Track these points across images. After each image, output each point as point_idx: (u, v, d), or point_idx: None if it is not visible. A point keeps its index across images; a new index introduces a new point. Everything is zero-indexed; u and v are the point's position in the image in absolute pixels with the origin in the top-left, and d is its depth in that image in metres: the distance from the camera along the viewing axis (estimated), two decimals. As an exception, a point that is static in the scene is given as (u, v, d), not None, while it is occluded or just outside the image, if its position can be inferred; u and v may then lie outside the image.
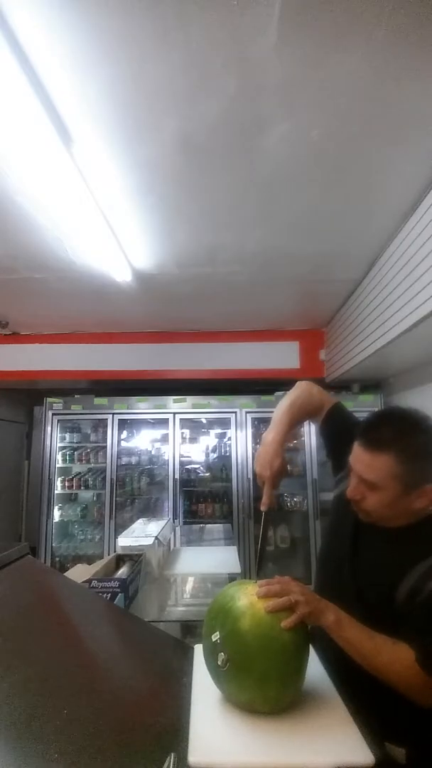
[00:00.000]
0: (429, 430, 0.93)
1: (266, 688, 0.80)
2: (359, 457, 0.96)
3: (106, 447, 4.28)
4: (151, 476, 4.62)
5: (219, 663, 0.82)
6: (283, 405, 1.24)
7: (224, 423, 4.43)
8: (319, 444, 4.05)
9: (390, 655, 0.86)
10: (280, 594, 0.87)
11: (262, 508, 1.12)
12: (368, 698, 0.94)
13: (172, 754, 0.68)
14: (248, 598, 0.87)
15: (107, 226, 2.30)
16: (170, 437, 4.28)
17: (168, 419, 4.29)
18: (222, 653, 0.82)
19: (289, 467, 1.12)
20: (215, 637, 0.85)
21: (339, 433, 1.18)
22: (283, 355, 4.34)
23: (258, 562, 1.11)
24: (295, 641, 0.84)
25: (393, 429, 0.94)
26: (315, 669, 0.96)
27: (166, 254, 2.74)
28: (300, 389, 1.29)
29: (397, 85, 1.49)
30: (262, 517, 1.12)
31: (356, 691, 0.92)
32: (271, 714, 0.82)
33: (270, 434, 1.18)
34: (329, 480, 1.28)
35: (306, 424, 4.17)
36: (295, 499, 4.29)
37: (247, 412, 4.26)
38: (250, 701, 0.82)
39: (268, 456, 1.13)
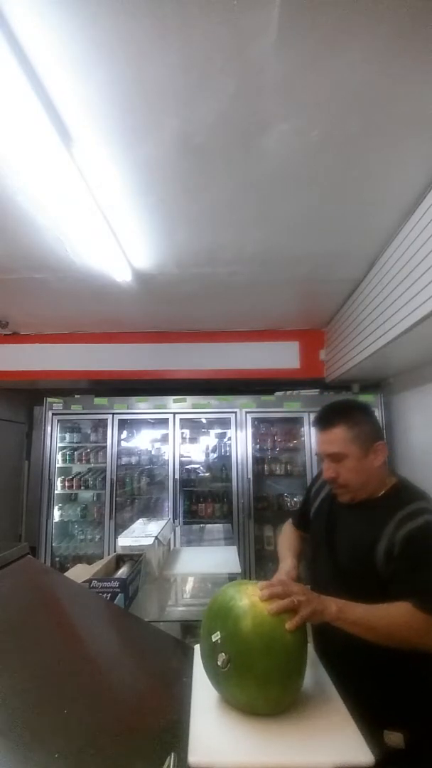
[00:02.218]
0: (362, 405, 1.25)
1: (268, 688, 0.80)
2: (320, 439, 1.20)
3: (106, 447, 4.28)
4: (151, 476, 4.62)
5: (219, 663, 0.82)
6: (279, 547, 1.47)
7: (224, 423, 4.42)
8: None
9: (392, 617, 0.91)
10: (283, 596, 0.88)
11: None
12: (368, 687, 0.96)
13: (172, 754, 0.69)
14: (249, 599, 0.87)
15: (107, 226, 2.30)
16: (170, 437, 4.28)
17: (168, 419, 4.29)
18: (222, 653, 0.82)
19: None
20: (215, 637, 0.85)
21: (305, 520, 1.44)
22: (283, 355, 4.34)
23: None
24: (296, 641, 0.84)
25: (337, 409, 1.21)
26: (315, 669, 0.96)
27: (166, 254, 2.74)
28: (280, 536, 1.54)
29: (398, 85, 1.49)
30: None
31: (355, 682, 0.94)
32: (271, 715, 0.82)
33: (284, 563, 1.36)
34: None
35: (305, 424, 4.18)
36: (294, 499, 4.30)
37: (247, 412, 4.26)
38: (250, 702, 0.82)
39: (284, 569, 1.30)
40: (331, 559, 1.17)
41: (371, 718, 0.85)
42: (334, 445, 1.15)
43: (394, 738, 0.96)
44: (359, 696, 0.89)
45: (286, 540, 1.46)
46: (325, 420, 1.19)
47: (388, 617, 0.91)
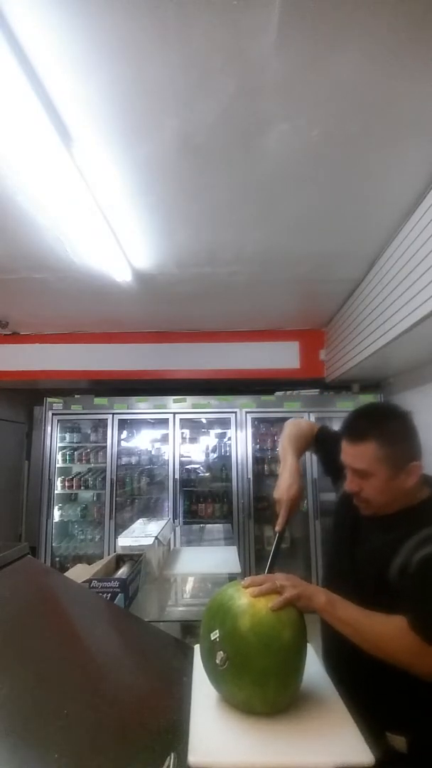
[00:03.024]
0: (401, 416, 1.05)
1: (265, 687, 0.80)
2: (346, 450, 1.05)
3: (106, 447, 4.28)
4: (151, 476, 4.62)
5: (217, 662, 0.82)
6: (283, 441, 1.35)
7: (224, 423, 4.43)
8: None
9: (384, 627, 0.88)
10: (264, 582, 0.90)
11: (277, 528, 1.17)
12: (369, 690, 0.95)
13: (172, 754, 0.69)
14: (248, 598, 0.87)
15: (107, 226, 2.30)
16: (170, 437, 4.28)
17: (168, 419, 4.29)
18: (221, 652, 0.82)
19: (304, 503, 1.16)
20: (214, 635, 0.85)
21: (329, 450, 1.28)
22: (283, 355, 4.34)
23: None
24: (295, 641, 0.84)
25: (370, 420, 1.05)
26: (314, 669, 0.96)
27: (166, 254, 2.74)
28: (289, 425, 1.41)
29: (397, 85, 1.49)
30: (276, 537, 1.17)
31: (357, 684, 0.94)
32: (269, 715, 0.82)
33: (284, 464, 1.26)
34: (329, 480, 1.34)
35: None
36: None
37: (247, 412, 4.26)
38: (247, 701, 0.82)
39: (286, 482, 1.20)
40: (351, 565, 1.10)
41: (374, 720, 0.85)
42: (361, 461, 1.01)
43: (397, 742, 0.95)
44: (362, 698, 0.89)
45: (297, 441, 1.32)
46: (356, 431, 1.03)
47: (379, 626, 0.88)
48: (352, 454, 1.03)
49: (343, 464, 1.10)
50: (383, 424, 1.03)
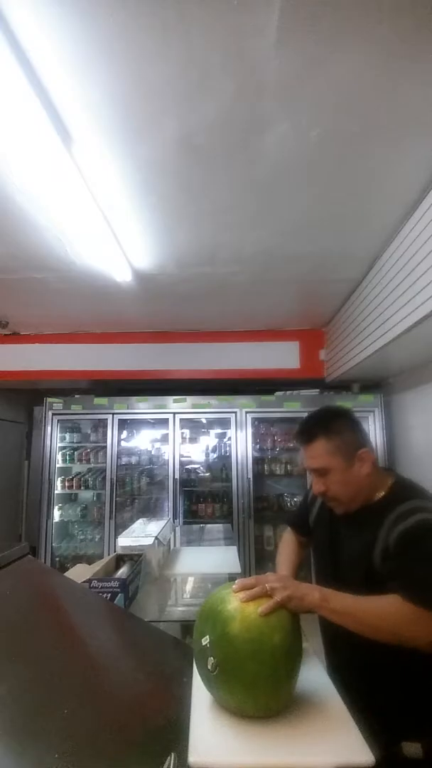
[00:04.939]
0: (342, 413, 1.19)
1: (256, 693, 0.79)
2: (303, 455, 1.17)
3: (106, 447, 4.28)
4: (151, 476, 4.62)
5: (209, 667, 0.81)
6: (278, 558, 1.43)
7: (224, 423, 4.42)
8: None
9: (380, 607, 0.90)
10: (254, 585, 0.89)
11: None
12: (383, 699, 0.95)
13: (172, 754, 0.69)
14: (238, 602, 0.86)
15: (107, 226, 2.30)
16: (170, 437, 4.28)
17: (168, 419, 4.29)
18: (212, 657, 0.81)
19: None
20: (205, 641, 0.84)
21: (300, 518, 1.42)
22: (283, 355, 4.34)
23: None
24: (286, 645, 0.82)
25: (315, 422, 1.17)
26: (314, 669, 0.96)
27: (166, 254, 2.74)
28: (281, 542, 1.50)
29: (398, 85, 1.49)
30: None
31: (369, 694, 0.94)
32: (263, 718, 0.81)
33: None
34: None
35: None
36: (295, 500, 4.30)
37: (247, 412, 4.26)
38: (239, 706, 0.81)
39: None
40: (335, 572, 1.15)
41: (389, 731, 0.84)
42: (317, 459, 1.12)
43: (413, 749, 0.94)
44: (375, 709, 0.89)
45: (284, 552, 1.42)
46: (305, 434, 1.15)
47: (376, 608, 0.90)
48: (308, 456, 1.15)
49: (308, 511, 1.32)
50: (327, 422, 1.15)
